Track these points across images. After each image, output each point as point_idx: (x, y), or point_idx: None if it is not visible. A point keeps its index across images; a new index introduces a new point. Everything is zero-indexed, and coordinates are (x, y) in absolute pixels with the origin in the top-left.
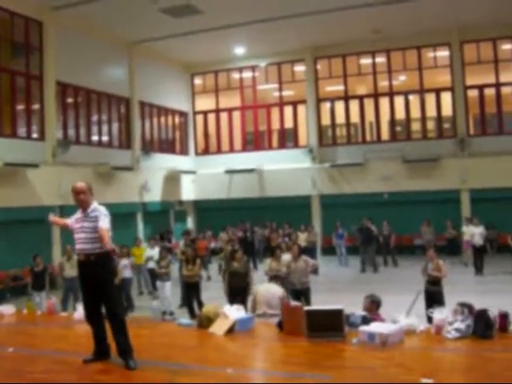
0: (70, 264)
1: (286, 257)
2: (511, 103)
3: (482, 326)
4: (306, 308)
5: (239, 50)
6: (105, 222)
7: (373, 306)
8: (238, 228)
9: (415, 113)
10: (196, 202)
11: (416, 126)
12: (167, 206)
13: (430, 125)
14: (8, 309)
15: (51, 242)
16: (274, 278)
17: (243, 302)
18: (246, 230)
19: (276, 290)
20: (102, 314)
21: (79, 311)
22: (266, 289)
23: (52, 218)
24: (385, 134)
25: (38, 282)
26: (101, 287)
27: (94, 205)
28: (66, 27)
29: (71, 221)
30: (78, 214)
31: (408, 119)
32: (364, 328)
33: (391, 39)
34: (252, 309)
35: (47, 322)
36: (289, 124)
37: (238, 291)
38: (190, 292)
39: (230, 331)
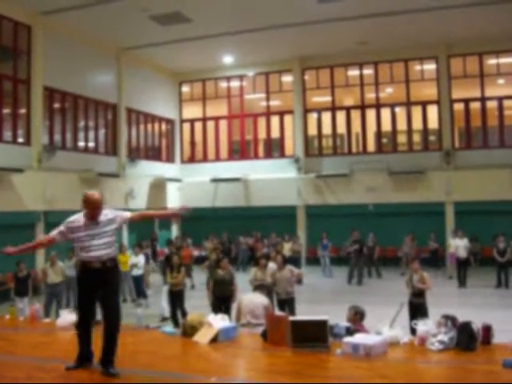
0: (53, 270)
1: (272, 266)
2: (496, 117)
3: (465, 338)
4: (291, 318)
5: (227, 59)
6: (127, 212)
7: (356, 317)
8: (209, 239)
9: (401, 125)
10: None
11: (402, 139)
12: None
13: (416, 137)
14: None
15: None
16: (259, 287)
17: (227, 310)
18: (223, 242)
19: (261, 300)
20: (93, 320)
21: (62, 317)
22: (250, 298)
23: (8, 250)
24: (371, 145)
25: (21, 287)
26: (109, 293)
27: (105, 211)
28: (54, 32)
29: (63, 229)
30: (81, 222)
31: (394, 131)
32: (348, 339)
33: (379, 51)
34: (236, 318)
35: (30, 328)
36: (275, 134)
37: (222, 299)
38: (174, 300)
39: (214, 340)
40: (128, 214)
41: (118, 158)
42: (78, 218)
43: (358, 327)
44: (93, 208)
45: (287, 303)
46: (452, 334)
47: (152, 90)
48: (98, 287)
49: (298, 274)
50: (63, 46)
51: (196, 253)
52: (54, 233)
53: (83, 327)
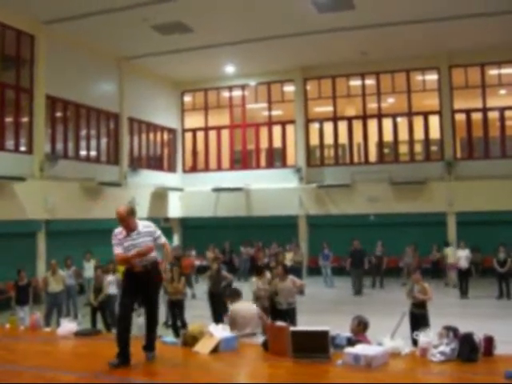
0: (54, 279)
1: (268, 275)
2: (498, 128)
3: (466, 349)
4: (292, 329)
5: (229, 69)
6: (163, 237)
7: (360, 328)
8: (210, 249)
9: (403, 135)
10: (182, 220)
11: (404, 149)
12: (153, 223)
13: (418, 147)
14: None
15: (36, 257)
16: (260, 297)
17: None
18: (225, 251)
19: (253, 309)
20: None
21: (63, 326)
22: (244, 308)
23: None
24: (372, 155)
25: (21, 296)
26: (151, 291)
27: (142, 223)
28: (57, 41)
29: (119, 248)
30: (123, 234)
31: (396, 141)
32: (349, 350)
33: (380, 62)
34: (230, 328)
35: (30, 337)
36: (277, 144)
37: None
38: (173, 309)
39: (215, 350)
40: (163, 241)
41: (119, 167)
42: (121, 230)
43: (361, 338)
44: (118, 221)
45: (288, 314)
46: (454, 345)
47: (154, 100)
48: (141, 288)
49: (301, 284)
50: (66, 55)
51: (197, 262)
52: (117, 250)
53: (123, 327)
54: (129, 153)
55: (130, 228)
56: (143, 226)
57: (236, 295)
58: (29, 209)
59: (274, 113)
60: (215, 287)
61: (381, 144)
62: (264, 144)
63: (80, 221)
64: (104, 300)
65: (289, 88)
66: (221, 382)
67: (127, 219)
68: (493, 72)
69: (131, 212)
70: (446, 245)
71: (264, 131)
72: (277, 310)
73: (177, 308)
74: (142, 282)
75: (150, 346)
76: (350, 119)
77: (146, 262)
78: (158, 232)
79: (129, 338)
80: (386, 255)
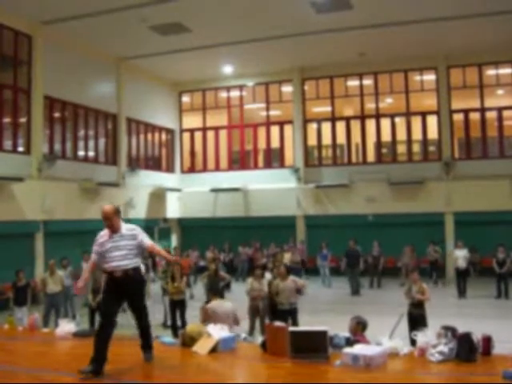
0: (52, 279)
1: (268, 276)
2: (495, 128)
3: (465, 349)
4: (291, 329)
5: (227, 69)
6: (148, 240)
7: (358, 328)
8: (210, 250)
9: (401, 135)
10: (181, 220)
11: (402, 149)
12: (152, 224)
13: (416, 147)
14: None
15: (34, 257)
16: (253, 297)
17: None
18: (224, 252)
19: (228, 307)
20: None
21: (61, 327)
22: (220, 306)
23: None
24: (371, 155)
25: (20, 297)
26: (135, 297)
27: (126, 226)
28: (55, 42)
29: (96, 248)
30: (107, 236)
31: (394, 141)
32: (348, 350)
33: (378, 62)
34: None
35: (28, 338)
36: (275, 144)
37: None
38: (175, 309)
39: (214, 351)
40: (148, 243)
41: (117, 168)
42: (106, 232)
43: (360, 338)
44: (103, 219)
45: (290, 314)
46: (452, 344)
47: (152, 100)
48: (123, 295)
49: (302, 284)
50: (63, 55)
51: (202, 263)
52: (93, 257)
53: (103, 337)
54: (127, 153)
55: (114, 228)
56: (126, 228)
57: (212, 294)
58: (27, 209)
59: (272, 113)
60: (213, 287)
61: (379, 144)
62: (262, 144)
63: (78, 221)
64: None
65: (287, 88)
66: (219, 383)
67: (112, 218)
68: (490, 72)
69: (117, 212)
70: (434, 243)
71: (262, 131)
72: (279, 310)
73: (179, 308)
74: (123, 288)
75: (146, 345)
76: (348, 119)
77: (125, 267)
78: (142, 235)
79: (107, 348)
80: (383, 255)
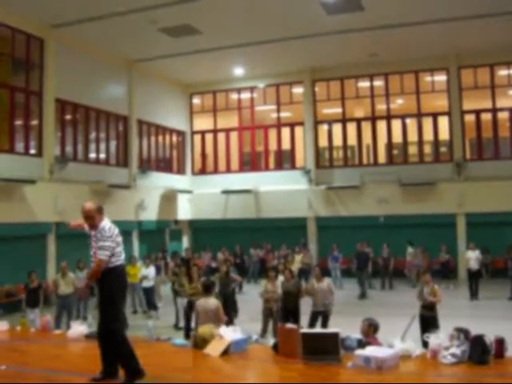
0: (64, 281)
1: (281, 279)
2: (507, 128)
3: (478, 351)
4: (302, 331)
5: (238, 71)
6: (103, 252)
7: (370, 330)
8: (222, 251)
9: (412, 136)
10: (192, 222)
11: (413, 150)
12: (163, 225)
13: (427, 149)
14: (1, 325)
15: (46, 259)
16: (267, 299)
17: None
18: (236, 254)
19: (212, 304)
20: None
21: (73, 329)
22: (205, 303)
23: (72, 223)
24: (382, 157)
25: (32, 298)
26: (100, 303)
27: (102, 225)
28: (66, 45)
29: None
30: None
31: (405, 143)
32: (360, 352)
33: (389, 63)
34: (196, 322)
35: (41, 340)
36: (286, 145)
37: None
38: (191, 310)
39: (226, 352)
40: (100, 256)
41: (129, 170)
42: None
43: (372, 340)
44: (84, 217)
45: (322, 315)
46: (464, 347)
47: (163, 102)
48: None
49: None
50: (75, 58)
51: (214, 264)
52: (107, 254)
53: (124, 335)
54: (138, 155)
55: (95, 227)
56: (101, 228)
57: (204, 290)
58: (39, 211)
59: (283, 114)
60: (224, 289)
61: (390, 145)
62: (273, 146)
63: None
64: None
65: (297, 90)
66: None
67: (94, 216)
68: (502, 72)
69: (99, 210)
70: (409, 243)
71: (273, 133)
72: (312, 311)
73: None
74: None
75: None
76: (358, 120)
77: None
78: (104, 243)
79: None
80: (393, 257)
